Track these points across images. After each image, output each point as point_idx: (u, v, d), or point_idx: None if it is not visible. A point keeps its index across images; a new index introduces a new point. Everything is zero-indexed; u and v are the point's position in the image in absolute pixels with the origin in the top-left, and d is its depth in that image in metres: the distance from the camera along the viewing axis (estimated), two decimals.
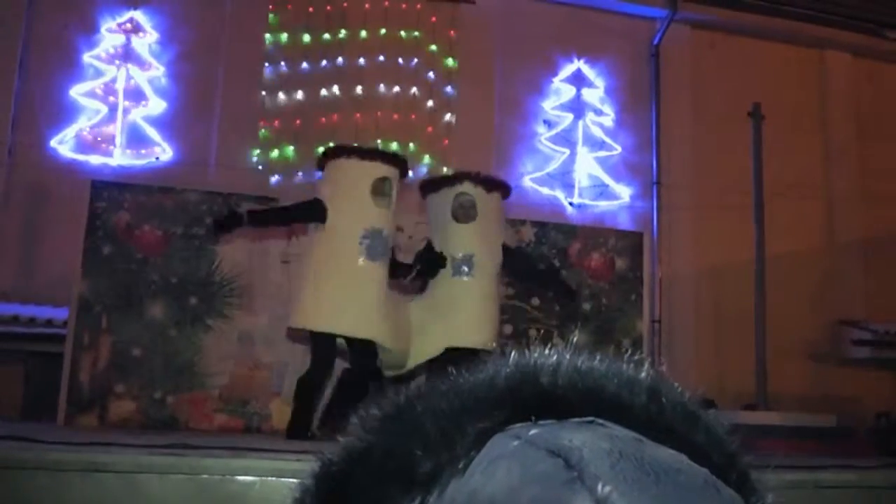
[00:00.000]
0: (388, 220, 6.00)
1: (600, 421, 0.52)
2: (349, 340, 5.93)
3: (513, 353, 0.56)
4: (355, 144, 6.60)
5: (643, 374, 0.55)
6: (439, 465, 0.51)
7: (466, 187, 6.35)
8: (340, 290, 5.79)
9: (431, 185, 6.62)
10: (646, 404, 0.53)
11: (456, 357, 5.78)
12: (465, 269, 6.20)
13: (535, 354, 0.56)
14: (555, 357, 0.55)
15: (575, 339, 0.60)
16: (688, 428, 0.53)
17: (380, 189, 5.95)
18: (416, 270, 6.30)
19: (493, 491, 0.47)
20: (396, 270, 6.23)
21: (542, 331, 8.11)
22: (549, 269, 7.24)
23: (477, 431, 0.52)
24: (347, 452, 0.55)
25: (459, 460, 0.51)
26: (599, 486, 0.44)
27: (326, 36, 10.75)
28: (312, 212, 5.96)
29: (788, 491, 3.46)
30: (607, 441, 0.48)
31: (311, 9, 10.73)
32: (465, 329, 6.14)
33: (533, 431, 0.50)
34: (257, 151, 10.29)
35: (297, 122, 10.46)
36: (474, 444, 0.51)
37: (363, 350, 5.93)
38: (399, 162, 6.21)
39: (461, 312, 6.18)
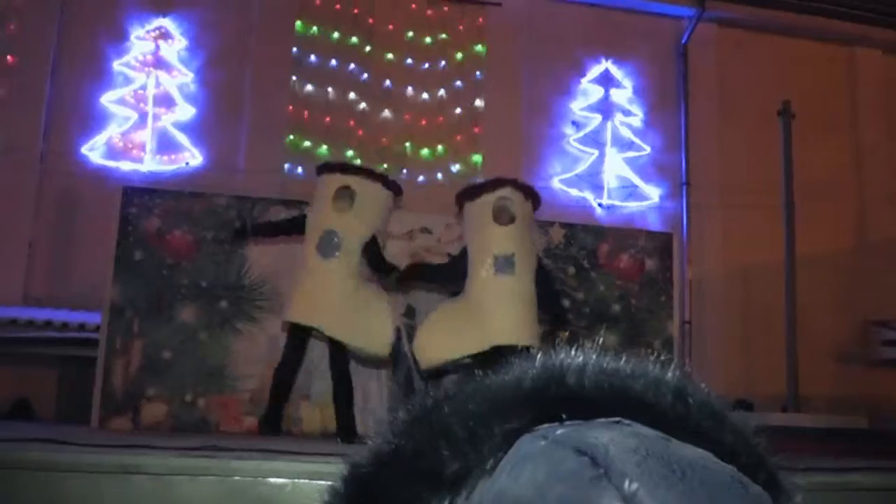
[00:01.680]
0: (345, 224, 6.43)
1: (626, 421, 0.52)
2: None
3: (539, 355, 0.57)
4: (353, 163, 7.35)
5: (669, 375, 0.55)
6: (467, 466, 0.51)
7: (507, 192, 6.54)
8: (299, 283, 6.43)
9: (470, 192, 6.76)
10: (672, 404, 0.53)
11: (502, 354, 5.85)
12: (508, 268, 6.32)
13: (562, 355, 0.56)
14: (581, 358, 0.56)
15: (601, 341, 0.60)
16: (714, 428, 0.53)
17: (340, 195, 6.48)
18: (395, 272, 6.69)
19: (521, 490, 0.47)
20: (379, 267, 6.66)
21: (573, 333, 8.07)
22: (556, 293, 7.19)
23: (504, 432, 0.52)
24: (376, 455, 0.55)
25: (487, 461, 0.51)
26: (626, 483, 0.45)
27: (354, 39, 10.81)
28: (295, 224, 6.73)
29: (818, 493, 3.43)
30: (633, 439, 0.49)
31: (337, 6, 10.80)
32: (511, 326, 6.26)
33: (559, 431, 0.51)
34: (290, 139, 10.35)
35: (326, 122, 10.53)
36: (501, 445, 0.52)
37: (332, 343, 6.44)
38: (365, 173, 6.81)
39: (506, 310, 6.30)
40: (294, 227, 6.71)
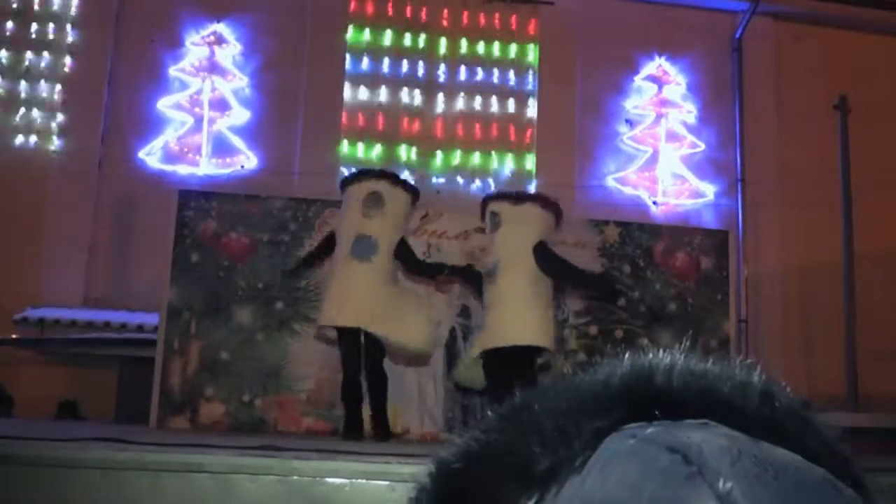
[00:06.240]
0: (377, 227, 6.50)
1: (714, 423, 0.52)
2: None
3: (627, 354, 0.56)
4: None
5: (755, 378, 0.55)
6: (557, 463, 0.51)
7: (495, 206, 6.75)
8: (335, 287, 6.44)
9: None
10: (758, 407, 0.52)
11: (502, 356, 6.23)
12: (493, 276, 6.52)
13: (650, 355, 0.56)
14: (669, 358, 0.55)
15: (686, 343, 0.60)
16: (800, 432, 0.52)
17: (370, 202, 6.52)
18: (447, 270, 6.87)
19: (612, 488, 0.46)
20: (421, 267, 6.95)
21: (629, 331, 8.03)
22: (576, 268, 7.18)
23: (593, 430, 0.51)
24: (464, 452, 0.55)
25: (576, 458, 0.50)
26: (720, 482, 0.44)
27: (407, 36, 10.85)
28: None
29: (884, 494, 3.37)
30: (725, 439, 0.48)
31: (391, 8, 10.85)
32: (500, 329, 6.38)
33: (649, 430, 0.50)
34: (343, 152, 10.42)
35: (380, 124, 10.59)
36: (590, 443, 0.51)
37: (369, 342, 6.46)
38: (390, 177, 6.85)
39: (496, 315, 6.46)
40: (331, 245, 6.73)
